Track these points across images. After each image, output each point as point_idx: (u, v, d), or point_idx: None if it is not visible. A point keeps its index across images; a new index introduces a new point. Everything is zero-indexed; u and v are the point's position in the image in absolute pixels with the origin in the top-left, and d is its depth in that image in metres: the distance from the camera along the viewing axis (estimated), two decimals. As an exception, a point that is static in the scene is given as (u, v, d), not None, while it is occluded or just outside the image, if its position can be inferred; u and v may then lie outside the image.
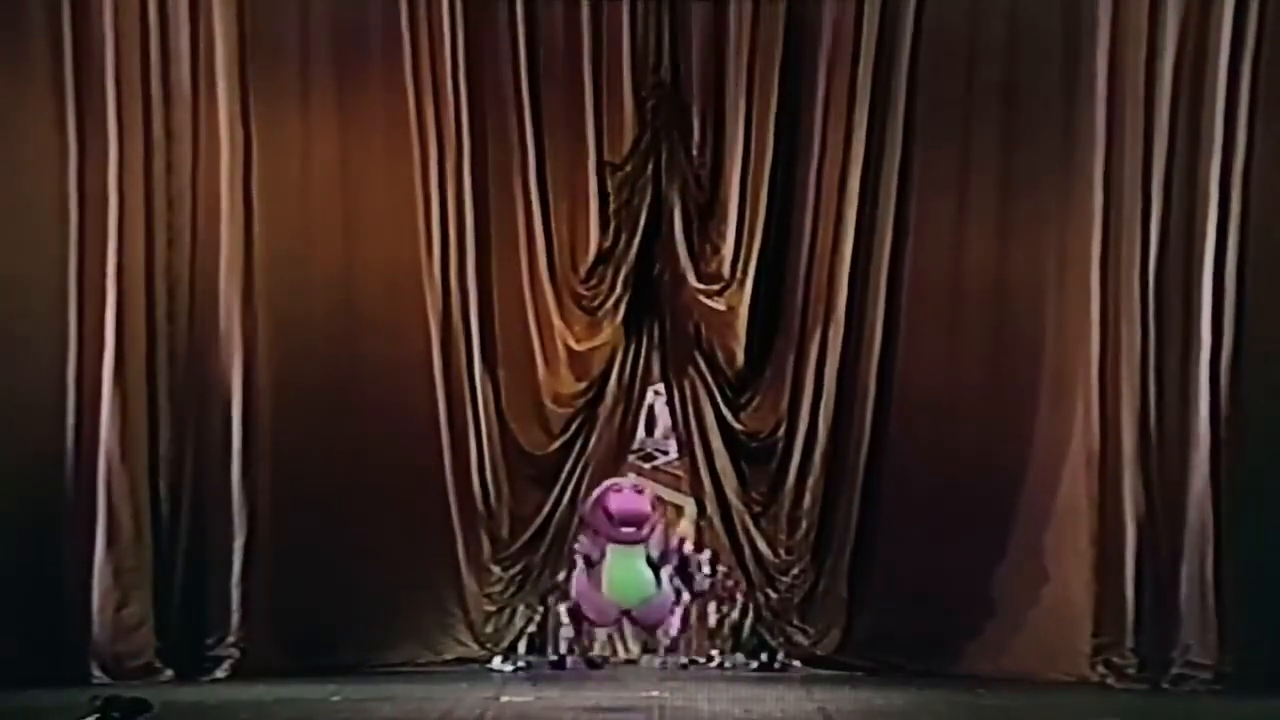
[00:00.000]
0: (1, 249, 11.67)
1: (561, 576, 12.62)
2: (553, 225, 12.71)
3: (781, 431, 12.61)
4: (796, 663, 12.59)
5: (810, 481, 12.56)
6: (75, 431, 11.67)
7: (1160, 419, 11.93)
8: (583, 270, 12.72)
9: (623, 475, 12.89)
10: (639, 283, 12.70)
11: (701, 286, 12.61)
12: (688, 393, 12.72)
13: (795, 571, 12.57)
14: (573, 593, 11.01)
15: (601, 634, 12.91)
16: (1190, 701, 11.35)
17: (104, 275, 11.79)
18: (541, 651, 12.81)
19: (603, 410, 12.69)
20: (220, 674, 11.86)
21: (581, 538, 12.41)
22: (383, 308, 12.63)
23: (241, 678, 11.76)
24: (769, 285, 12.63)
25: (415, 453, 12.55)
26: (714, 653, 12.89)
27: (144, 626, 11.75)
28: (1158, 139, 12.00)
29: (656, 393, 13.12)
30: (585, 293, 12.71)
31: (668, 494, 13.58)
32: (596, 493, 12.19)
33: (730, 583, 12.89)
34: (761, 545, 12.59)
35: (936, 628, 12.27)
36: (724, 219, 12.61)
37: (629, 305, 12.70)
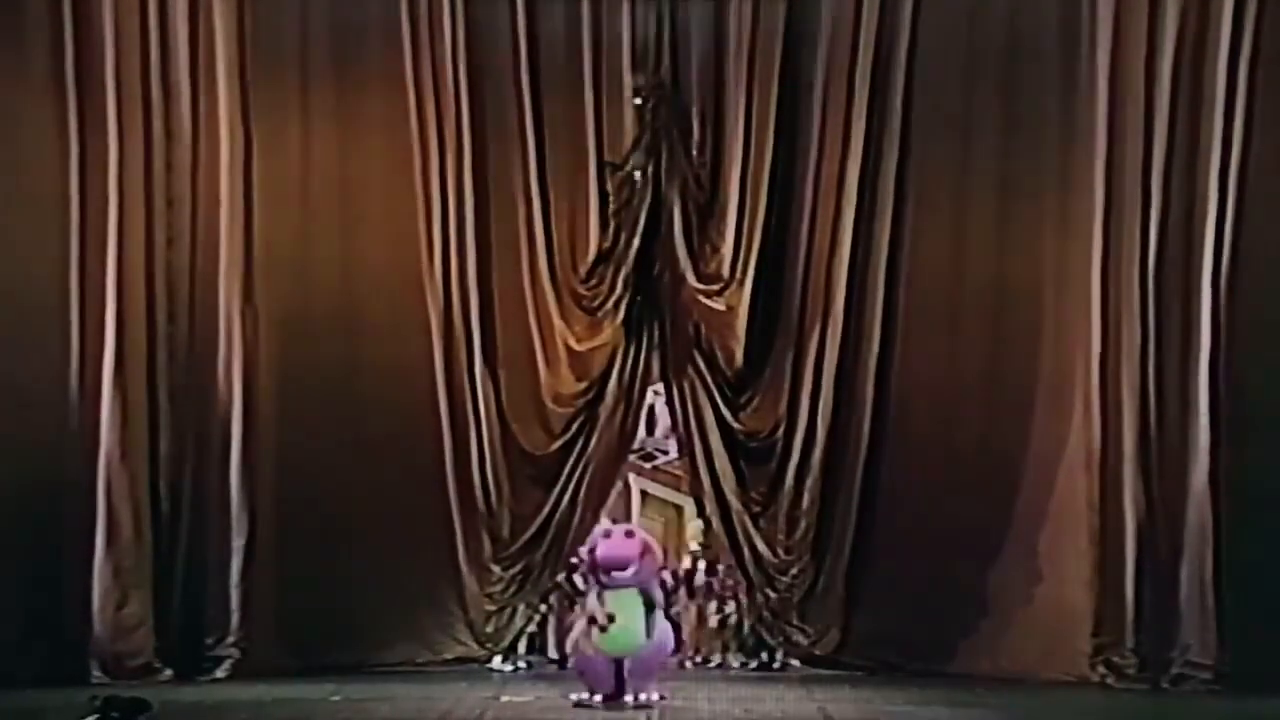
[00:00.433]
0: (2, 249, 11.70)
1: (562, 577, 12.66)
2: (553, 225, 12.73)
3: (780, 431, 12.62)
4: (796, 662, 12.61)
5: (809, 481, 12.57)
6: (75, 431, 11.70)
7: (1160, 419, 11.94)
8: (583, 270, 12.73)
9: (623, 476, 13.01)
10: (639, 283, 12.72)
11: (701, 286, 12.61)
12: (687, 393, 12.74)
13: (794, 571, 12.58)
14: (570, 655, 10.96)
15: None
16: (1190, 701, 11.35)
17: (104, 275, 11.81)
18: (542, 651, 12.84)
19: (603, 410, 12.70)
20: (220, 674, 11.89)
21: (580, 584, 12.11)
22: (383, 307, 12.64)
23: (241, 678, 11.79)
24: (768, 285, 12.65)
25: (416, 452, 12.58)
26: (714, 653, 12.95)
27: (144, 626, 11.77)
28: (1157, 139, 12.01)
29: (656, 393, 13.13)
30: (585, 293, 12.72)
31: (667, 494, 13.61)
32: (589, 540, 11.81)
33: (730, 582, 12.89)
34: (760, 545, 12.60)
35: (935, 627, 12.28)
36: (723, 219, 12.63)
37: (629, 305, 12.72)
